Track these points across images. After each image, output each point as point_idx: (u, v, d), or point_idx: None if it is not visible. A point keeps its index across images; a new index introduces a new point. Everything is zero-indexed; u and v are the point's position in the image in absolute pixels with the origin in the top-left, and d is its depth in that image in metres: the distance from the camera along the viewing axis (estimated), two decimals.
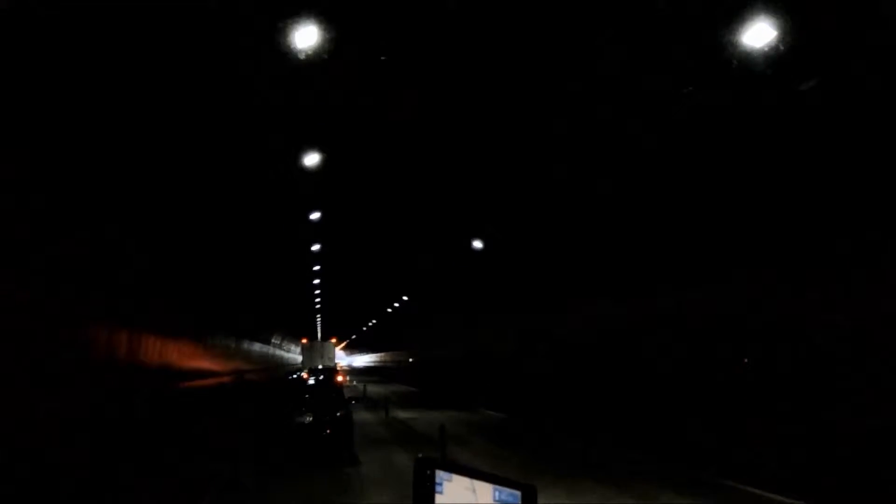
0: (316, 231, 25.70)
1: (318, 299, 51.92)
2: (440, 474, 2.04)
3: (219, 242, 18.31)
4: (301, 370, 27.58)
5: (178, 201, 13.68)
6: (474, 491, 1.95)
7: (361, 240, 30.19)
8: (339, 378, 39.23)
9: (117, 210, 11.23)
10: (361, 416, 21.98)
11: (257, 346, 36.87)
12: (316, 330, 75.96)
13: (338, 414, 14.10)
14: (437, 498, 2.04)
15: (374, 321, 63.68)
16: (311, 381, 18.39)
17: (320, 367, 36.30)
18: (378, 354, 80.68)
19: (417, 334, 46.45)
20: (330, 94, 12.91)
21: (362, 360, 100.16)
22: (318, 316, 63.90)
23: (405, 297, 42.08)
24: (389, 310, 48.42)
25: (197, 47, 9.15)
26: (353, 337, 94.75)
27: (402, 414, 24.96)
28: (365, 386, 36.96)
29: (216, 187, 14.75)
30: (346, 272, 39.13)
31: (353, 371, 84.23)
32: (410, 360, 50.80)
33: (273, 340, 44.83)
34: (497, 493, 1.88)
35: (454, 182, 19.25)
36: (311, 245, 29.08)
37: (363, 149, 17.51)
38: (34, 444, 8.27)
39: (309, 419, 13.75)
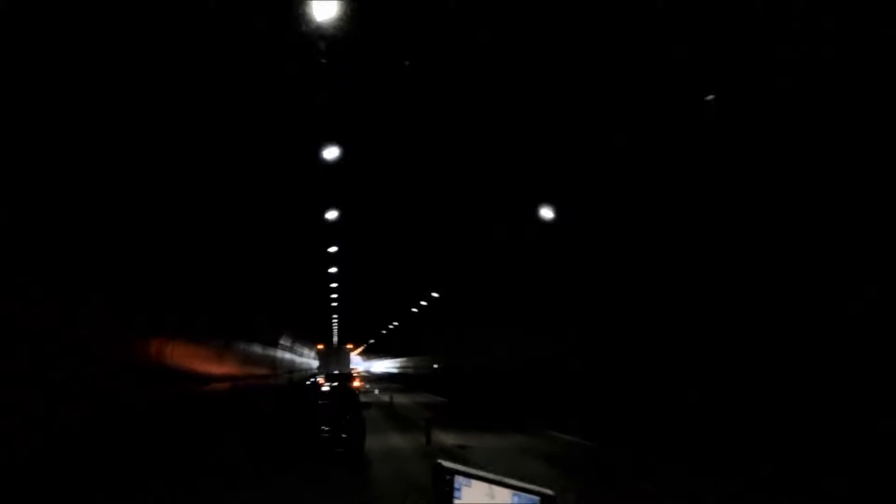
0: (332, 230, 24.67)
1: (334, 303, 50.54)
2: (458, 479, 2.09)
3: (229, 242, 17.59)
4: (316, 375, 29.94)
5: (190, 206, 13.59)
6: (493, 496, 1.98)
7: (381, 236, 28.41)
8: (357, 383, 38.13)
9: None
10: (392, 442, 18.43)
11: (270, 351, 35.86)
12: (332, 334, 74.74)
13: (349, 417, 14.82)
14: (456, 503, 2.07)
15: (395, 324, 60.48)
16: (326, 387, 19.97)
17: (336, 372, 38.21)
18: (398, 360, 77.84)
19: (444, 340, 43.60)
20: (351, 89, 13.00)
21: (381, 365, 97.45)
22: (335, 317, 61.65)
23: (434, 295, 38.80)
24: (415, 309, 45.29)
25: (207, 36, 9.13)
26: (371, 341, 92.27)
27: (449, 439, 18.67)
28: (392, 397, 34.05)
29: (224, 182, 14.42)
30: (364, 272, 37.24)
31: (371, 378, 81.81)
32: (435, 366, 47.92)
33: (287, 344, 43.76)
34: (516, 499, 1.92)
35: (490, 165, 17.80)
36: (328, 246, 28.02)
37: (384, 139, 16.88)
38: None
39: (324, 425, 14.47)
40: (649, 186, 14.43)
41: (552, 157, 15.59)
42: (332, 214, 22.03)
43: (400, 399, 37.05)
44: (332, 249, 28.98)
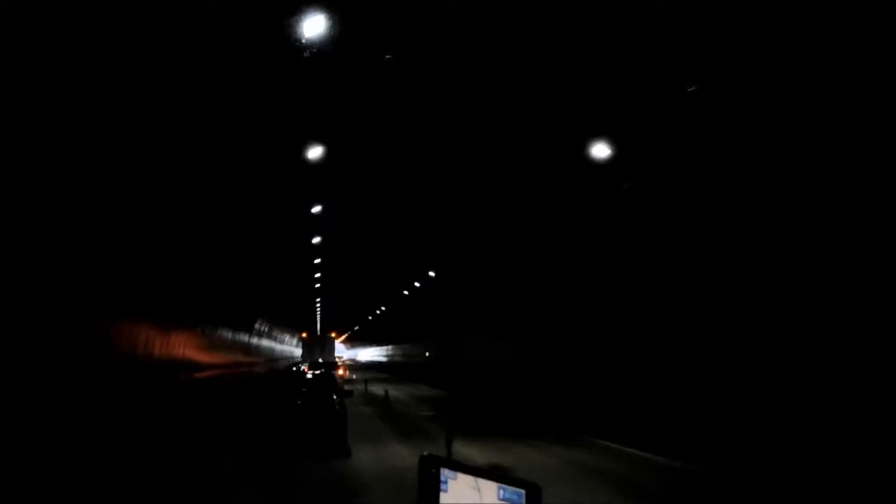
0: (317, 209, 24.15)
1: (318, 287, 47.80)
2: (445, 472, 2.10)
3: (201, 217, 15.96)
4: (300, 364, 28.79)
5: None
6: (479, 489, 1.99)
7: (368, 212, 27.65)
8: (340, 372, 39.54)
9: None
10: (395, 455, 14.12)
11: (255, 340, 34.15)
12: (315, 321, 72.04)
13: (333, 405, 14.95)
14: (442, 497, 2.09)
15: (382, 308, 57.08)
16: (310, 376, 19.85)
17: (320, 360, 37.70)
18: (385, 348, 74.83)
19: (439, 327, 40.62)
20: (334, 77, 13.36)
21: (368, 353, 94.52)
22: (318, 301, 58.13)
23: (431, 274, 35.85)
24: (406, 292, 42.19)
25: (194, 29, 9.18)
26: (356, 328, 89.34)
27: (474, 452, 14.31)
28: (387, 392, 29.37)
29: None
30: (349, 253, 35.58)
31: (357, 367, 78.57)
32: (427, 354, 44.94)
33: (267, 331, 41.30)
34: (501, 492, 1.92)
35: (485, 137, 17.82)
36: (310, 226, 27.07)
37: (370, 116, 17.21)
38: None
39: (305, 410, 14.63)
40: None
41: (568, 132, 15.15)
42: (315, 199, 22.03)
43: (393, 392, 32.96)
44: (316, 238, 28.94)
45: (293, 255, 30.72)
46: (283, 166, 17.12)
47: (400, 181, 23.14)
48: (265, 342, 40.04)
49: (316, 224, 26.57)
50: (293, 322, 52.23)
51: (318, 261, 35.43)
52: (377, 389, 33.47)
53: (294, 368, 22.24)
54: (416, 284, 38.79)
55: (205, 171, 13.53)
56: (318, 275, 42.20)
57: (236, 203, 17.07)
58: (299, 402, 14.83)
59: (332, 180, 20.89)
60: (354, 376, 47.07)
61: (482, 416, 22.64)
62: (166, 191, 12.19)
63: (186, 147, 12.00)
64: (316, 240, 29.35)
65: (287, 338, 56.13)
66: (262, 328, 37.83)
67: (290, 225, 24.59)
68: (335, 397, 15.24)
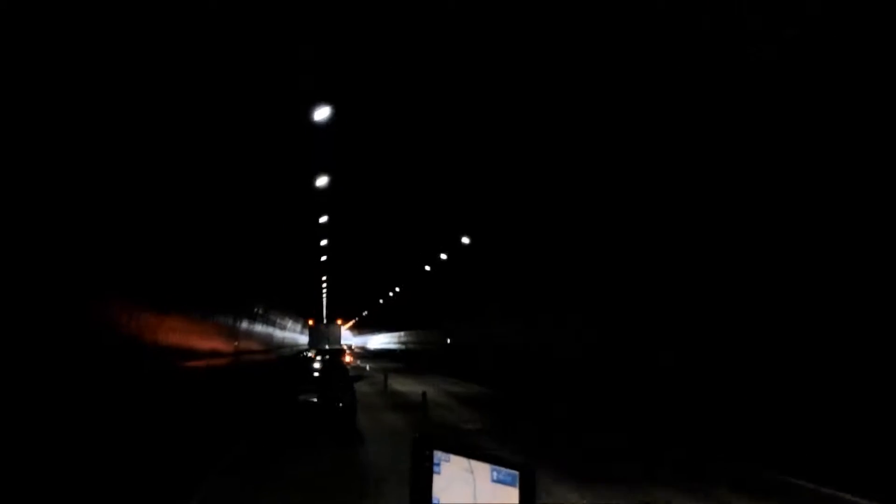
0: (323, 193, 22.78)
1: (324, 274, 45.43)
2: (438, 454, 2.12)
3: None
4: (306, 352, 28.24)
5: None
6: (472, 471, 2.00)
7: (380, 181, 25.61)
8: (348, 359, 36.67)
9: None
10: None
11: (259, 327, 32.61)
12: (321, 305, 69.83)
13: (343, 390, 15.13)
14: (435, 479, 2.11)
15: (396, 290, 53.22)
16: (318, 363, 19.91)
17: (327, 347, 36.92)
18: (396, 335, 71.44)
19: (466, 309, 36.53)
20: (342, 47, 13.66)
21: (378, 340, 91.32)
22: (325, 283, 54.97)
23: (450, 254, 32.33)
24: (428, 267, 37.85)
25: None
26: (365, 314, 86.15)
27: None
28: (425, 395, 18.49)
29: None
30: (359, 228, 33.19)
31: (367, 355, 75.05)
32: (448, 342, 41.16)
33: (274, 319, 40.35)
34: (495, 473, 1.93)
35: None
36: (317, 200, 24.74)
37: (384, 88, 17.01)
38: None
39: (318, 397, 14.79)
40: None
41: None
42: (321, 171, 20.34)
43: (415, 387, 26.32)
44: (323, 215, 26.83)
45: (297, 235, 28.47)
46: (285, 131, 15.99)
47: (420, 141, 20.80)
48: (270, 330, 38.28)
49: (322, 201, 24.44)
50: (300, 310, 50.75)
51: (324, 242, 32.97)
52: (401, 385, 28.05)
53: (301, 355, 21.10)
54: (439, 258, 35.03)
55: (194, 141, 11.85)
56: (324, 258, 39.57)
57: (235, 176, 15.53)
58: (309, 388, 14.97)
59: (340, 145, 19.36)
60: (368, 367, 43.03)
61: (565, 427, 16.63)
62: (164, 173, 10.87)
63: (181, 122, 10.88)
64: (323, 219, 27.09)
65: (291, 324, 53.72)
66: (271, 317, 36.41)
67: (294, 202, 22.49)
68: (345, 382, 15.41)
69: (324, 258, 39.24)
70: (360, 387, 23.94)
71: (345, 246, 36.70)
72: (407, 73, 16.28)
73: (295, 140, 16.78)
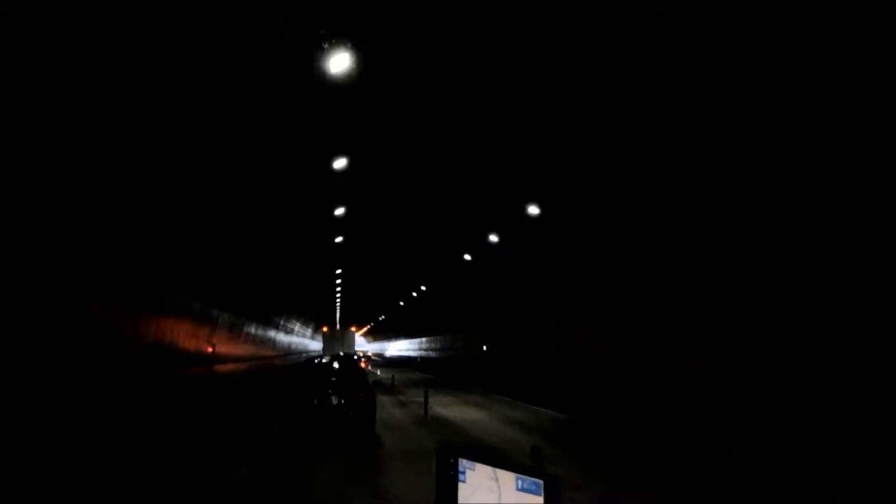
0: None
1: (339, 273, 42.81)
2: (463, 463, 2.15)
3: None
4: (321, 358, 26.97)
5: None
6: (497, 479, 2.03)
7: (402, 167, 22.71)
8: (362, 364, 31.50)
9: None
10: None
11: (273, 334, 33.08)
12: (335, 311, 68.71)
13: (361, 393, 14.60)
14: (461, 487, 2.15)
15: (422, 289, 48.31)
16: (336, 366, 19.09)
17: (341, 353, 36.58)
18: (417, 340, 66.59)
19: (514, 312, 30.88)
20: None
21: (397, 347, 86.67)
22: (339, 289, 52.21)
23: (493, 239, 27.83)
24: (468, 256, 32.55)
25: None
26: (381, 318, 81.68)
27: None
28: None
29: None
30: (377, 222, 30.51)
31: (385, 363, 70.14)
32: (484, 348, 36.05)
33: (291, 326, 40.53)
34: (520, 482, 1.96)
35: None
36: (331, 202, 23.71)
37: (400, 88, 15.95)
38: None
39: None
40: None
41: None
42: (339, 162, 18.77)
43: (462, 409, 20.96)
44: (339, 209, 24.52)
45: (313, 241, 27.18)
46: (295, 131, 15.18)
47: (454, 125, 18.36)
48: (288, 338, 39.13)
49: (338, 194, 22.83)
50: (315, 317, 50.46)
51: (339, 239, 30.70)
52: (444, 407, 21.36)
53: (316, 361, 22.66)
54: (473, 252, 30.69)
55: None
56: (338, 263, 37.74)
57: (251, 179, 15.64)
58: (329, 391, 14.34)
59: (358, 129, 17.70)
60: (393, 377, 37.59)
61: None
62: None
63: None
64: (339, 211, 24.78)
65: (306, 331, 53.14)
66: (288, 325, 37.24)
67: (310, 199, 21.37)
68: (363, 386, 15.02)
69: (338, 263, 37.56)
70: (390, 411, 19.86)
71: (361, 243, 34.12)
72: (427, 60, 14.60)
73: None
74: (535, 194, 20.10)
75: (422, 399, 20.24)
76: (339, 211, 24.80)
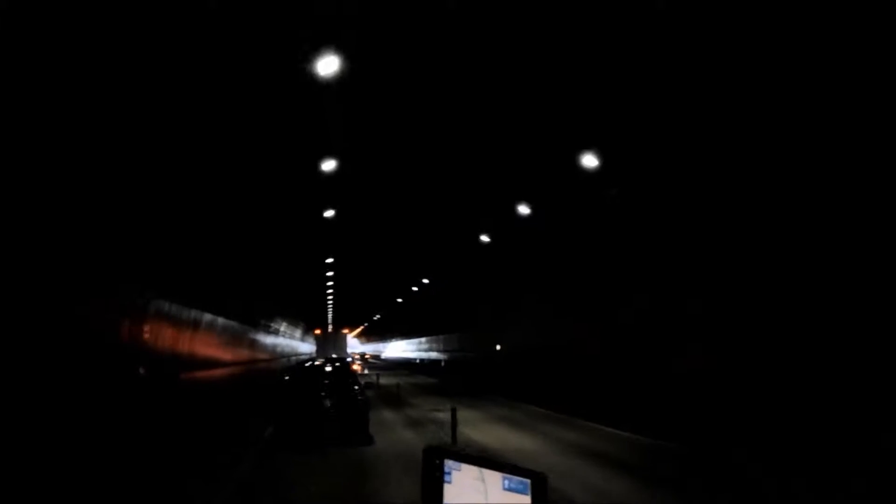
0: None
1: (331, 271, 40.91)
2: (448, 463, 2.10)
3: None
4: (313, 361, 27.58)
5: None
6: (483, 480, 1.99)
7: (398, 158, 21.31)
8: (356, 367, 34.50)
9: None
10: None
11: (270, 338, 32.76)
12: (326, 312, 66.95)
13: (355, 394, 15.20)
14: (446, 488, 2.09)
15: (424, 282, 44.41)
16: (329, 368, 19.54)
17: (334, 356, 37.20)
18: (416, 341, 62.73)
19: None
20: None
21: (396, 348, 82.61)
22: (330, 286, 49.63)
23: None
24: (486, 238, 29.57)
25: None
26: (376, 318, 77.80)
27: None
28: None
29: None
30: (371, 213, 28.63)
31: (384, 366, 64.61)
32: (498, 348, 32.02)
33: (281, 329, 39.23)
34: (506, 482, 1.93)
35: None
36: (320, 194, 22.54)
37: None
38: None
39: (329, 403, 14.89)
40: None
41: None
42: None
43: (492, 428, 16.51)
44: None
45: (303, 245, 26.52)
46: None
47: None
48: (280, 340, 38.42)
49: (328, 190, 21.81)
50: (306, 319, 50.09)
51: (330, 238, 29.85)
52: (472, 428, 16.45)
53: (308, 364, 24.13)
54: (481, 240, 27.18)
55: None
56: (329, 260, 36.61)
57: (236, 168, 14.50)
58: (322, 394, 14.76)
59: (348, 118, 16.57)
60: (398, 387, 31.85)
61: None
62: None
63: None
64: (328, 213, 24.29)
65: (297, 333, 51.52)
66: (280, 328, 36.43)
67: (297, 195, 20.37)
68: (357, 388, 15.44)
69: (329, 260, 36.43)
70: (399, 434, 15.98)
71: (354, 241, 32.70)
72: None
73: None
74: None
75: (439, 414, 18.06)
76: (329, 213, 24.18)
